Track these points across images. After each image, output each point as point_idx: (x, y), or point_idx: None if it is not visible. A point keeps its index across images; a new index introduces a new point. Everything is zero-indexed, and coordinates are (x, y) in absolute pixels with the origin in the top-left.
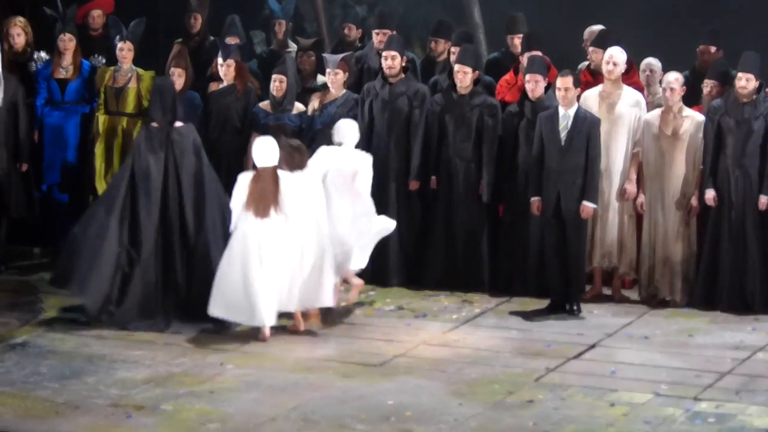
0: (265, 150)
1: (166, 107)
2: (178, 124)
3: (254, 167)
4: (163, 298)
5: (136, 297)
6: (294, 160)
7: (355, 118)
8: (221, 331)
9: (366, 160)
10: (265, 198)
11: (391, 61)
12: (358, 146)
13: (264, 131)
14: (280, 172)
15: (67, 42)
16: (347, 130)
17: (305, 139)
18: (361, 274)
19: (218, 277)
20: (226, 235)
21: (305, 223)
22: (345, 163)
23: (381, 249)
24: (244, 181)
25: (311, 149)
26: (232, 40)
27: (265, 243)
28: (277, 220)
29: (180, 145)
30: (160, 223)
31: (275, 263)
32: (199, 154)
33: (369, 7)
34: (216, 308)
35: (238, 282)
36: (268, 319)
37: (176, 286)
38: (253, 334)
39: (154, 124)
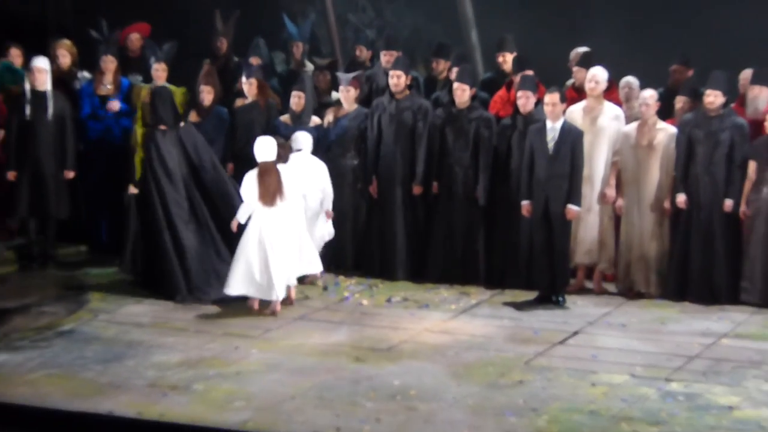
0: (265, 147)
1: (169, 111)
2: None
3: (261, 163)
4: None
5: (200, 276)
6: (280, 155)
7: (365, 130)
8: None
9: (319, 165)
10: (270, 190)
11: (397, 80)
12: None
13: (283, 142)
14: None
15: (109, 63)
16: (303, 139)
17: (321, 148)
18: (369, 269)
19: (236, 260)
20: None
21: (295, 204)
22: (301, 167)
23: (388, 246)
24: (250, 177)
25: (327, 157)
26: (255, 61)
27: (275, 228)
28: (282, 207)
29: (189, 141)
30: (191, 210)
31: (284, 244)
32: (205, 147)
33: (378, 30)
34: (235, 288)
35: (255, 264)
36: (280, 293)
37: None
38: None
39: (163, 128)
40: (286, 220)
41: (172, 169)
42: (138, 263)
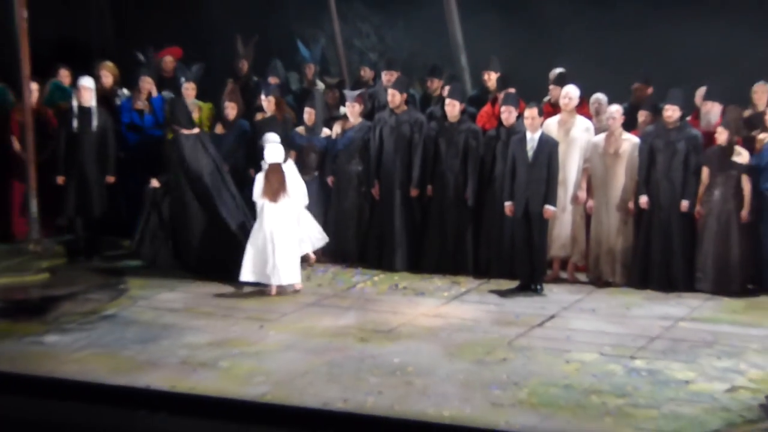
0: (274, 151)
1: (189, 116)
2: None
3: (269, 164)
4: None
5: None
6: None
7: (368, 140)
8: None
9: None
10: (274, 188)
11: (396, 97)
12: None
13: (299, 150)
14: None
15: (146, 83)
16: (272, 138)
17: (330, 155)
18: (372, 261)
19: (247, 251)
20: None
21: (297, 200)
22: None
23: (388, 241)
24: (259, 176)
25: (335, 164)
26: (272, 80)
27: (279, 221)
28: (285, 202)
29: (207, 142)
30: (219, 203)
31: (287, 235)
32: (215, 150)
33: (379, 54)
34: (246, 275)
35: (263, 253)
36: (285, 279)
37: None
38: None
39: (185, 131)
40: (289, 214)
41: (204, 169)
42: (190, 252)
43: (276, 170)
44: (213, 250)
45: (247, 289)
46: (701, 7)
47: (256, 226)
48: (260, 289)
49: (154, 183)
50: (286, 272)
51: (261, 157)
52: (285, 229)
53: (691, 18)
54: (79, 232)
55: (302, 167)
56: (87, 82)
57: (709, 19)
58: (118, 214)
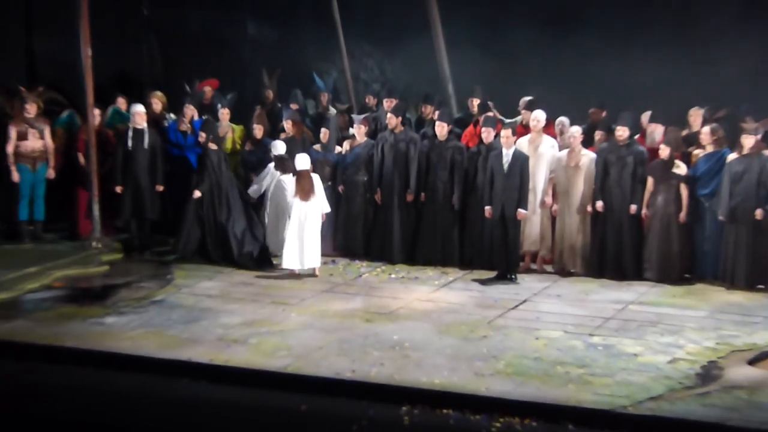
0: (303, 161)
1: (217, 135)
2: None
3: (298, 171)
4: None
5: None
6: (287, 167)
7: (372, 155)
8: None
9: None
10: (305, 188)
11: (395, 120)
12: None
13: (315, 164)
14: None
15: (189, 109)
16: (279, 146)
17: (340, 168)
18: (375, 255)
19: (286, 243)
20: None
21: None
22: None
23: (388, 239)
24: (293, 180)
25: (344, 175)
26: (293, 106)
27: (308, 216)
28: (314, 201)
29: (226, 158)
30: (234, 205)
31: (315, 228)
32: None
33: (381, 84)
34: (288, 263)
35: (297, 242)
36: (308, 263)
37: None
38: (301, 289)
39: (214, 147)
40: (315, 211)
41: (224, 179)
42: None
43: (305, 175)
44: (228, 246)
45: (272, 278)
46: (647, 43)
47: (291, 222)
48: (283, 277)
49: (197, 194)
50: (311, 258)
51: (273, 162)
52: (312, 223)
53: (638, 52)
54: (134, 232)
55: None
56: (140, 109)
57: (654, 54)
58: (165, 217)
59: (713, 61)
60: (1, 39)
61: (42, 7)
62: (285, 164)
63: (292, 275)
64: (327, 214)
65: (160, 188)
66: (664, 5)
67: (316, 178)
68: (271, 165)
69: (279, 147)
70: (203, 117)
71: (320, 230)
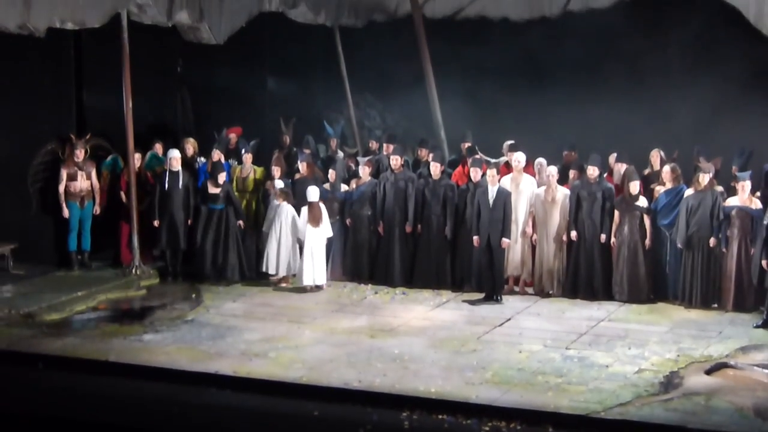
0: (313, 193)
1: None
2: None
3: (310, 202)
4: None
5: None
6: (290, 197)
7: (375, 192)
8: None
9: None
10: (316, 217)
11: (395, 161)
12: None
13: (325, 201)
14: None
15: (216, 154)
16: (313, 192)
17: (348, 204)
18: (378, 279)
19: (305, 263)
20: None
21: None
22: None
23: (390, 265)
24: (305, 210)
25: (351, 209)
26: (306, 150)
27: (318, 240)
28: (322, 227)
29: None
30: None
31: (322, 250)
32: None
33: (383, 131)
34: (305, 280)
35: (310, 264)
36: (318, 281)
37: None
38: (313, 309)
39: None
40: (323, 236)
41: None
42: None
43: (316, 206)
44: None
45: (288, 299)
46: (612, 92)
47: (306, 246)
48: (298, 299)
49: (242, 224)
50: (320, 275)
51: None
52: (321, 247)
53: (605, 100)
54: (168, 260)
55: (328, 212)
56: (176, 154)
57: (618, 101)
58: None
59: (668, 109)
60: (56, 93)
61: (90, 66)
62: (288, 197)
63: (304, 294)
64: (336, 244)
65: (191, 222)
66: (621, 62)
67: (323, 208)
68: (275, 201)
69: (312, 193)
70: (229, 160)
71: (331, 257)
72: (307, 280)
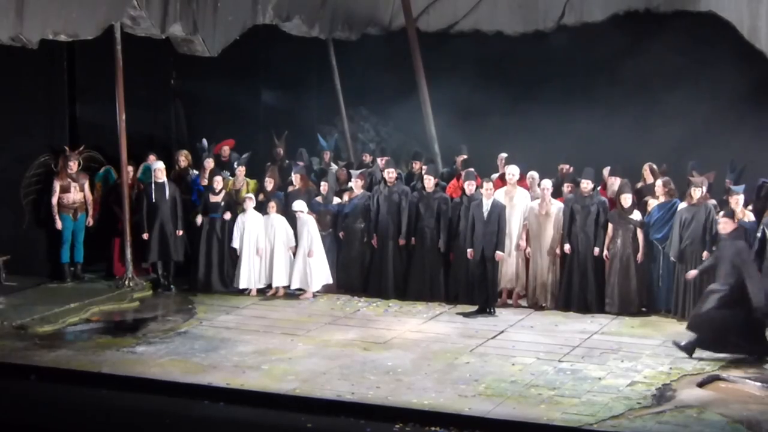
0: (300, 205)
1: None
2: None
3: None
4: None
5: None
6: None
7: (369, 205)
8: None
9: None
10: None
11: (388, 174)
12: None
13: (318, 213)
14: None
15: (208, 164)
16: (299, 205)
17: (341, 217)
18: (372, 292)
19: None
20: None
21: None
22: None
23: (383, 278)
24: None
25: (344, 222)
26: (300, 163)
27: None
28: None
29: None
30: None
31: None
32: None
33: (376, 144)
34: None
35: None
36: (314, 287)
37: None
38: (307, 321)
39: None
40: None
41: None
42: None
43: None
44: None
45: (281, 311)
46: (607, 107)
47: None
48: (291, 312)
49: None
50: (316, 282)
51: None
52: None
53: (600, 116)
54: (159, 272)
55: (320, 225)
56: (159, 165)
57: (613, 117)
58: (187, 258)
59: (662, 123)
60: (49, 105)
61: (83, 78)
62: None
63: (298, 306)
64: (330, 258)
65: (180, 233)
66: (615, 75)
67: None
68: (240, 216)
69: (298, 205)
70: (222, 173)
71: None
72: (316, 287)
